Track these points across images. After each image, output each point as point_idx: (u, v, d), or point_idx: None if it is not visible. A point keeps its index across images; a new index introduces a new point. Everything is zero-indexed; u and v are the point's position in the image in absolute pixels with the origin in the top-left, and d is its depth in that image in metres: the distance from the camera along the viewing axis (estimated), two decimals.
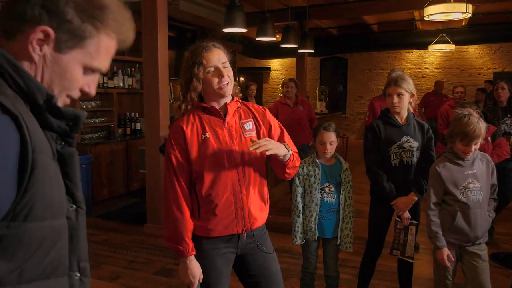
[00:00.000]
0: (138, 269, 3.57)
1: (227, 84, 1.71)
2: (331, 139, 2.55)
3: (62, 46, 0.80)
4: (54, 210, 0.78)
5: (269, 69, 12.62)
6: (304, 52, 7.91)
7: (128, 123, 5.95)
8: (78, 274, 0.87)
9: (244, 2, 4.88)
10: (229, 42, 8.06)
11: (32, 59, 0.79)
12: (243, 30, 4.76)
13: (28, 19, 0.77)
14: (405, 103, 2.60)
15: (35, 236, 0.74)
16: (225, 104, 1.77)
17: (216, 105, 1.76)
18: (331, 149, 2.56)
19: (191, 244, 1.73)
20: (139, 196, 5.60)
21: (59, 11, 0.77)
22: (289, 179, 2.05)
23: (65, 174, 0.82)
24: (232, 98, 1.80)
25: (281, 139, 1.84)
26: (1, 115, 0.67)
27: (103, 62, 0.87)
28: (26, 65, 0.79)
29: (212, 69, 1.70)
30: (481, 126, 2.26)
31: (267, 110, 1.88)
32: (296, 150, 1.86)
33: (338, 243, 2.60)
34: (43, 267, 0.78)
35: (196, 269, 1.74)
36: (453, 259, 2.35)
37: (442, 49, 8.52)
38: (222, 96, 1.74)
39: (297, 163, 1.83)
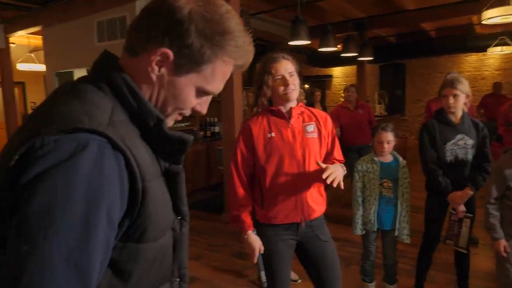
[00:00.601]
0: (217, 251, 3.72)
1: (292, 91, 1.77)
2: (388, 139, 2.49)
3: (179, 70, 0.74)
4: (163, 228, 0.75)
5: (331, 76, 12.42)
6: (364, 60, 7.69)
7: (208, 127, 6.18)
8: (178, 279, 0.85)
9: (307, 17, 4.87)
10: (295, 53, 8.07)
11: (150, 78, 0.74)
12: (307, 42, 4.76)
13: (151, 40, 0.72)
14: (460, 104, 2.47)
15: (149, 256, 0.72)
16: (290, 108, 1.82)
17: (282, 109, 1.82)
18: (388, 148, 2.50)
19: (247, 222, 1.81)
20: (217, 189, 5.80)
21: (181, 35, 0.71)
22: None
23: (171, 190, 0.78)
24: (297, 103, 1.85)
25: (332, 145, 1.88)
26: (113, 150, 0.63)
27: (217, 86, 0.79)
28: (144, 84, 0.75)
29: (279, 77, 1.78)
30: None
31: (328, 116, 1.91)
32: (343, 159, 1.89)
33: (396, 234, 2.53)
34: (154, 281, 0.77)
35: (254, 243, 1.80)
36: (510, 250, 2.19)
37: (502, 51, 7.82)
38: (287, 100, 1.80)
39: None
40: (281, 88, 1.78)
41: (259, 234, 1.84)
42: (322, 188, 1.88)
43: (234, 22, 0.75)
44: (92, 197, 0.59)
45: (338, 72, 12.27)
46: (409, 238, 2.52)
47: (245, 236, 1.82)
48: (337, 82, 12.28)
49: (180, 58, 0.72)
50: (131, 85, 0.73)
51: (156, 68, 0.73)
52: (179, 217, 0.81)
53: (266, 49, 7.50)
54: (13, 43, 7.53)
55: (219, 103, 6.33)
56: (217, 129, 6.22)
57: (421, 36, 9.54)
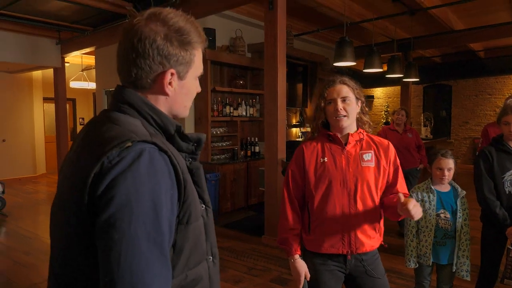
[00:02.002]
0: (256, 275, 3.62)
1: (342, 117, 1.70)
2: (449, 166, 2.33)
3: (183, 75, 0.93)
4: (199, 211, 0.92)
5: (372, 97, 12.16)
6: (409, 81, 7.46)
7: (249, 146, 6.17)
8: (211, 257, 0.99)
9: (351, 38, 4.80)
10: (337, 74, 7.97)
11: (167, 94, 0.92)
12: (353, 63, 4.66)
13: (156, 70, 0.88)
14: None
15: (193, 234, 0.89)
16: (348, 134, 1.74)
17: (339, 134, 1.75)
18: (449, 175, 2.34)
19: (295, 245, 1.75)
20: (256, 210, 5.73)
21: (170, 53, 0.88)
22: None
23: (195, 183, 0.93)
24: (357, 129, 1.77)
25: (395, 176, 1.76)
26: (159, 152, 0.81)
27: (201, 66, 0.98)
28: (162, 100, 0.93)
29: (330, 102, 1.72)
30: None
31: (391, 144, 1.79)
32: (408, 193, 1.76)
33: (454, 270, 2.34)
34: (198, 256, 0.93)
35: (300, 268, 1.74)
36: None
37: None
38: (339, 127, 1.73)
39: None
40: (332, 113, 1.72)
41: (305, 261, 1.77)
42: (378, 222, 1.76)
43: (182, 21, 0.91)
44: (153, 189, 0.76)
45: (379, 93, 12.01)
46: (469, 275, 2.33)
47: (292, 260, 1.76)
48: (379, 103, 12.00)
49: (179, 67, 0.91)
50: (150, 104, 0.90)
51: (169, 87, 0.91)
52: (204, 205, 0.96)
53: (308, 69, 7.46)
54: (67, 62, 7.96)
55: (260, 122, 6.35)
56: (257, 148, 6.19)
57: (468, 56, 9.18)
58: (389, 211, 1.72)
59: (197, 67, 0.96)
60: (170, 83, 0.91)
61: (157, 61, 0.87)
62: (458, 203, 2.35)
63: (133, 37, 0.87)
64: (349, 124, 1.74)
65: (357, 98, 1.74)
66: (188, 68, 0.93)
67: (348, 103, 1.71)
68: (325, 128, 1.80)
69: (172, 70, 0.90)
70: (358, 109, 1.75)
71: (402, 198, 1.51)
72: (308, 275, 1.75)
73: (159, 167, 0.79)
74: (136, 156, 0.76)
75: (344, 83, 1.73)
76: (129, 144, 0.77)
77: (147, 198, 0.75)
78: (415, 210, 1.48)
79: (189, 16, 0.94)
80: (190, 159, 0.95)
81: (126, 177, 0.74)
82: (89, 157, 0.78)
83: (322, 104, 1.74)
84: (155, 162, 0.78)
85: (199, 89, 1.01)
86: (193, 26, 0.92)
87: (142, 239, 0.73)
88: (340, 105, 1.69)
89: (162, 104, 0.93)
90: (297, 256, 1.75)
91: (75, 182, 0.79)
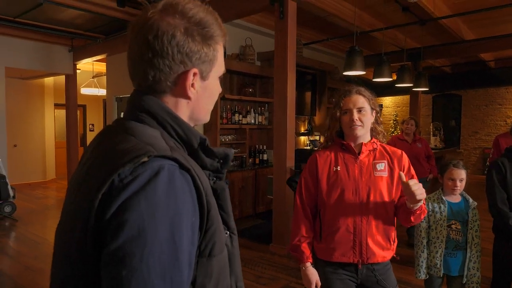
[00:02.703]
0: (264, 283, 3.60)
1: (357, 126, 1.71)
2: (461, 176, 2.32)
3: (205, 75, 0.81)
4: (224, 241, 0.78)
5: (381, 106, 12.13)
6: (418, 90, 7.43)
7: (257, 154, 6.18)
8: None
9: (361, 47, 4.81)
10: (346, 82, 7.98)
11: (189, 97, 0.80)
12: (362, 72, 4.67)
13: (176, 71, 0.77)
14: None
15: (217, 268, 0.75)
16: (361, 143, 1.75)
17: (352, 143, 1.76)
18: (461, 186, 2.32)
19: (306, 253, 1.76)
20: (264, 217, 5.71)
21: (192, 50, 0.76)
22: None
23: (219, 206, 0.79)
24: (371, 138, 1.78)
25: None
26: (180, 170, 0.68)
27: (223, 64, 0.87)
28: (184, 105, 0.81)
29: (346, 112, 1.73)
30: None
31: (404, 154, 1.79)
32: (425, 209, 1.74)
33: (464, 281, 2.31)
34: None
35: (311, 276, 1.75)
36: None
37: None
38: (353, 136, 1.74)
39: (423, 215, 1.69)
40: (347, 123, 1.73)
41: (316, 269, 1.77)
42: (391, 233, 1.75)
43: (203, 12, 0.79)
44: (173, 215, 0.64)
45: (388, 102, 11.98)
46: (479, 287, 2.29)
47: (303, 268, 1.77)
48: (387, 112, 11.95)
49: (202, 66, 0.79)
50: (172, 113, 0.78)
51: (192, 89, 0.79)
52: (228, 232, 0.83)
53: (317, 77, 7.48)
54: (79, 69, 8.08)
55: (269, 130, 6.35)
56: (265, 156, 6.19)
57: (478, 66, 9.13)
58: (400, 212, 1.71)
59: (220, 65, 0.84)
60: (192, 85, 0.79)
61: (177, 60, 0.75)
62: (470, 214, 2.32)
63: (148, 33, 0.74)
64: (363, 134, 1.75)
65: (372, 109, 1.75)
66: (212, 66, 0.81)
67: (364, 114, 1.72)
68: (339, 137, 1.81)
69: (195, 70, 0.78)
70: (372, 119, 1.76)
71: (404, 177, 1.51)
72: (319, 284, 1.75)
73: (180, 188, 0.67)
74: (153, 175, 0.64)
75: (360, 94, 1.75)
76: (145, 159, 0.65)
77: (164, 227, 0.63)
78: (416, 187, 1.47)
79: (208, 6, 0.82)
80: (215, 178, 0.81)
81: (140, 200, 0.62)
82: (98, 173, 0.67)
83: (338, 114, 1.75)
84: (176, 183, 0.66)
85: (220, 90, 0.89)
86: (214, 17, 0.81)
87: (156, 277, 0.61)
88: (355, 115, 1.71)
89: (183, 109, 0.81)
90: (308, 264, 1.76)
91: (81, 203, 0.67)
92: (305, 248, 1.77)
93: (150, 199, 0.62)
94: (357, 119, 1.70)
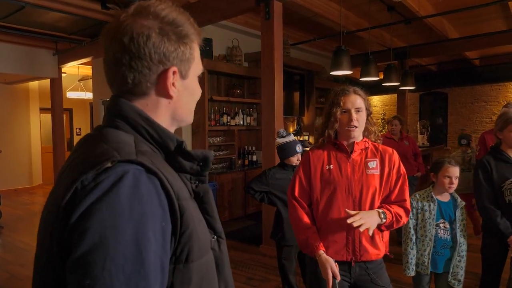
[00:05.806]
0: (255, 285, 3.59)
1: (354, 128, 1.72)
2: (456, 174, 2.33)
3: (185, 73, 0.81)
4: (205, 245, 0.76)
5: None
6: (405, 89, 7.50)
7: (246, 155, 6.16)
8: None
9: (348, 46, 4.83)
10: (333, 82, 8.01)
11: (171, 96, 0.80)
12: (349, 72, 4.69)
13: (155, 71, 0.77)
14: None
15: (198, 274, 0.73)
16: (354, 142, 1.76)
17: (345, 142, 1.77)
18: (456, 183, 2.34)
19: (315, 243, 1.71)
20: (254, 219, 5.70)
21: (169, 49, 0.77)
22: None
23: (203, 210, 0.80)
24: (362, 137, 1.80)
25: (396, 184, 1.76)
26: (147, 174, 0.67)
27: (201, 63, 0.87)
28: (165, 105, 0.80)
29: (345, 111, 1.74)
30: None
31: (395, 152, 1.81)
32: (406, 199, 1.74)
33: (449, 279, 2.34)
34: None
35: (325, 262, 1.66)
36: None
37: None
38: (348, 136, 1.76)
39: (397, 224, 1.71)
40: (345, 123, 1.74)
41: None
42: (384, 231, 1.76)
43: (175, 12, 0.80)
44: (137, 221, 0.62)
45: (376, 101, 12.06)
46: (461, 284, 2.32)
47: (317, 258, 1.72)
48: (375, 111, 12.03)
49: (181, 64, 0.79)
50: (145, 116, 0.77)
51: (173, 88, 0.79)
52: (215, 236, 0.82)
53: (304, 78, 7.49)
54: (64, 73, 7.97)
55: (257, 131, 6.34)
56: (254, 157, 6.18)
57: (464, 64, 9.25)
58: None
59: (197, 64, 0.85)
60: (173, 84, 0.79)
61: (155, 60, 0.75)
62: (457, 213, 2.34)
63: (123, 36, 0.74)
64: (358, 134, 1.77)
65: (366, 109, 1.77)
66: (190, 64, 0.82)
67: (361, 114, 1.74)
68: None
69: (174, 68, 0.78)
70: (365, 119, 1.78)
71: (351, 213, 1.57)
72: (336, 271, 1.66)
73: (146, 192, 0.65)
74: (116, 180, 0.63)
75: (358, 94, 1.76)
76: (109, 164, 0.64)
77: (128, 233, 0.61)
78: (358, 223, 1.53)
79: (179, 7, 0.82)
80: (197, 182, 0.80)
81: (102, 206, 0.61)
82: (65, 181, 0.67)
83: (338, 113, 1.74)
84: (141, 187, 0.64)
85: (201, 91, 0.89)
86: (186, 17, 0.81)
87: (120, 286, 0.59)
88: (354, 116, 1.72)
89: (164, 110, 0.81)
90: (321, 252, 1.70)
91: (51, 210, 0.67)
92: (313, 239, 1.72)
93: (112, 205, 0.61)
94: (356, 119, 1.72)
